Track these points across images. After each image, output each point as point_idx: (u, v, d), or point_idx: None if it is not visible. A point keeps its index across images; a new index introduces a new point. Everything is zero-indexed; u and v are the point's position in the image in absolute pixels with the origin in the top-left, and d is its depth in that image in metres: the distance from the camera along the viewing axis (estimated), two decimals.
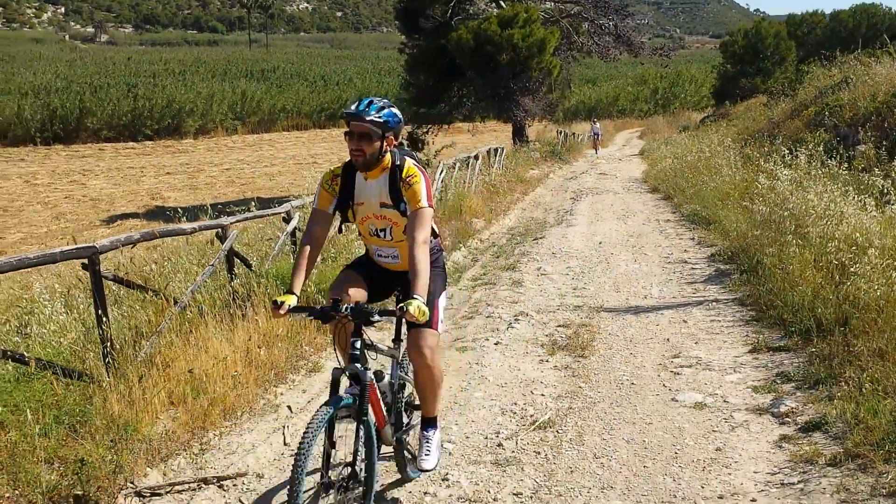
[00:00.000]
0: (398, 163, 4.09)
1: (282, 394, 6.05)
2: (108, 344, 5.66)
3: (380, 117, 3.92)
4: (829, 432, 4.84)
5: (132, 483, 4.51)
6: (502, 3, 29.28)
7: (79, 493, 4.27)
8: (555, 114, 35.85)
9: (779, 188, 9.52)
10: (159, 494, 4.47)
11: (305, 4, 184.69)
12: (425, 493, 4.54)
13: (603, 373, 6.40)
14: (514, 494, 4.49)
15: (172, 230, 7.51)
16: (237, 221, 8.30)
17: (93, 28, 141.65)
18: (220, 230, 7.82)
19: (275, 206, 10.56)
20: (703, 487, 4.41)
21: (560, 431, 5.30)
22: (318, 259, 8.63)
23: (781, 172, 9.81)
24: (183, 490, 4.55)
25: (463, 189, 16.45)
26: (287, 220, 9.43)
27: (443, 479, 4.68)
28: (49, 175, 30.94)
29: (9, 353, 5.12)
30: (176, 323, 6.36)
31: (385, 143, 4.01)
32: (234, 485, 4.69)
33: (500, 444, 5.15)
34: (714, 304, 8.22)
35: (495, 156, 22.06)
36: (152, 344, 5.99)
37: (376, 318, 3.68)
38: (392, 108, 4.03)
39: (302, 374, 6.52)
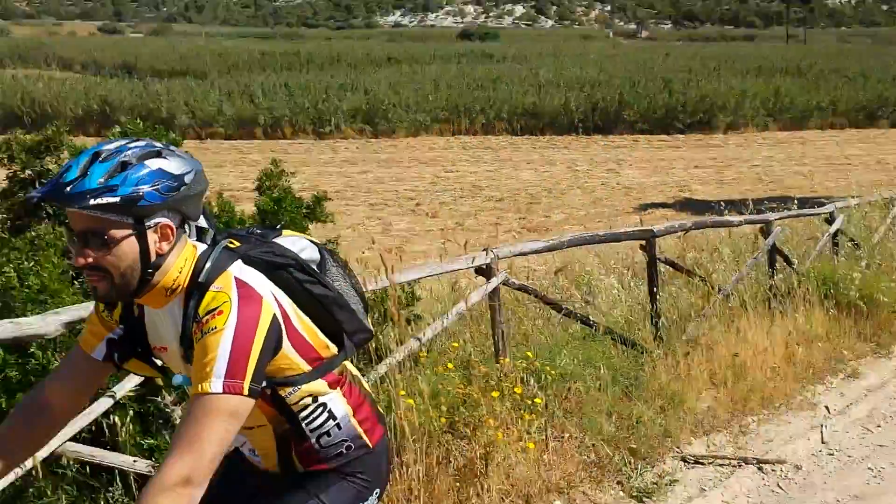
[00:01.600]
0: (202, 278, 1.89)
1: (819, 393, 6.03)
2: (658, 319, 6.17)
3: (115, 192, 1.76)
4: None
5: (678, 448, 4.93)
6: None
7: (633, 446, 4.79)
8: None
9: None
10: (702, 463, 4.82)
11: None
12: None
13: None
14: None
15: (720, 221, 7.84)
16: (781, 218, 8.34)
17: (634, 25, 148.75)
18: (764, 225, 7.92)
19: (812, 207, 10.36)
20: None
21: None
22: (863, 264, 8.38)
23: None
24: (724, 464, 4.85)
25: None
26: (829, 222, 9.18)
27: None
28: (588, 163, 33.43)
29: (579, 315, 5.88)
30: (718, 309, 6.67)
31: (159, 241, 1.84)
32: (773, 470, 4.87)
33: None
34: None
35: None
36: (697, 325, 6.37)
37: None
38: (150, 162, 1.81)
39: (840, 377, 6.41)
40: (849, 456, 5.16)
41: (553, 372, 4.94)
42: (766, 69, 64.05)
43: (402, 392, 4.24)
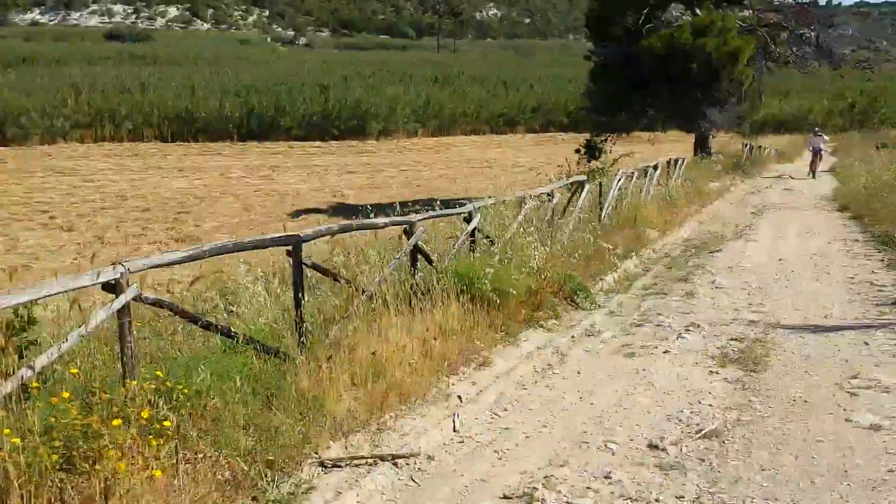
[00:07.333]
0: None
1: (453, 384, 6.36)
2: (303, 325, 6.15)
3: None
4: None
5: (316, 454, 4.92)
6: (698, 11, 28.51)
7: (271, 458, 4.69)
8: (742, 126, 34.58)
9: None
10: (339, 466, 4.86)
11: (495, 11, 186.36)
12: (587, 489, 4.71)
13: (775, 388, 6.33)
14: (676, 497, 4.58)
15: (366, 223, 8.01)
16: (424, 219, 8.70)
17: (293, 31, 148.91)
18: (407, 226, 8.23)
19: (454, 207, 10.95)
20: None
21: (726, 442, 5.32)
22: None
23: None
24: (361, 464, 4.93)
25: (639, 199, 16.32)
26: (468, 221, 9.75)
27: (605, 477, 4.84)
28: (243, 169, 32.97)
29: (219, 326, 5.67)
30: (362, 310, 6.81)
31: None
32: (407, 463, 5.04)
33: (664, 449, 5.23)
34: None
35: (675, 167, 21.67)
36: (340, 328, 6.45)
37: None
38: None
39: (472, 367, 6.82)
40: (477, 441, 5.49)
41: (187, 390, 4.71)
42: (417, 78, 67.41)
43: (7, 431, 3.81)
